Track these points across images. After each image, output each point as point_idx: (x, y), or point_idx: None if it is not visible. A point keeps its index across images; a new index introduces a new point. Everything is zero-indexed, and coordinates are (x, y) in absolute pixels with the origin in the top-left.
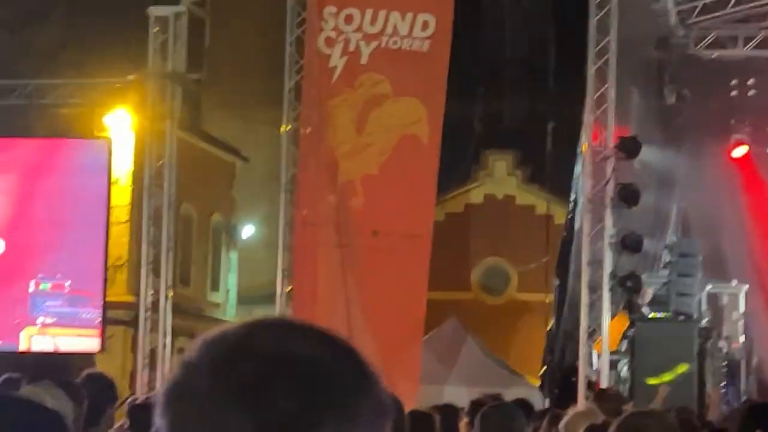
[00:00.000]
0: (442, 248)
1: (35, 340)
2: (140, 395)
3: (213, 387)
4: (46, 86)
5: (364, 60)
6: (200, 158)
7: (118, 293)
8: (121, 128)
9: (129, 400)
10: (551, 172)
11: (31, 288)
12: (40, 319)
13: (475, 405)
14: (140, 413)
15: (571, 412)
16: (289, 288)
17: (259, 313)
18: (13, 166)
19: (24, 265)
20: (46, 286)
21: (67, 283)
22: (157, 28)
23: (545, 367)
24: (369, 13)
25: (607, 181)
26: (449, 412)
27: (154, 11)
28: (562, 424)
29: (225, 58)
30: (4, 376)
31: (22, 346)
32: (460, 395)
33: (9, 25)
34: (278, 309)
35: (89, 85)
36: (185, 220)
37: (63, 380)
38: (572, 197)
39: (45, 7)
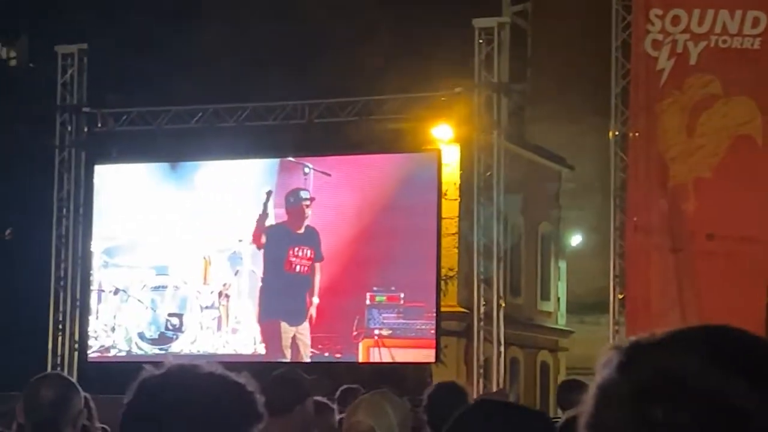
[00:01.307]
0: None
1: (372, 351)
2: None
3: None
4: (375, 102)
5: (692, 61)
6: (526, 168)
7: (449, 304)
8: (446, 141)
9: None
10: None
11: (368, 301)
12: (376, 331)
13: None
14: None
15: None
16: (622, 295)
17: (590, 321)
18: (348, 183)
19: (361, 278)
20: (381, 298)
21: (402, 295)
22: (482, 40)
23: None
24: (696, 13)
25: None
26: None
27: (479, 23)
28: None
29: (547, 66)
30: (344, 386)
31: (361, 358)
32: None
33: (340, 45)
34: (611, 316)
35: (416, 99)
36: (514, 230)
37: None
38: None
39: (372, 26)
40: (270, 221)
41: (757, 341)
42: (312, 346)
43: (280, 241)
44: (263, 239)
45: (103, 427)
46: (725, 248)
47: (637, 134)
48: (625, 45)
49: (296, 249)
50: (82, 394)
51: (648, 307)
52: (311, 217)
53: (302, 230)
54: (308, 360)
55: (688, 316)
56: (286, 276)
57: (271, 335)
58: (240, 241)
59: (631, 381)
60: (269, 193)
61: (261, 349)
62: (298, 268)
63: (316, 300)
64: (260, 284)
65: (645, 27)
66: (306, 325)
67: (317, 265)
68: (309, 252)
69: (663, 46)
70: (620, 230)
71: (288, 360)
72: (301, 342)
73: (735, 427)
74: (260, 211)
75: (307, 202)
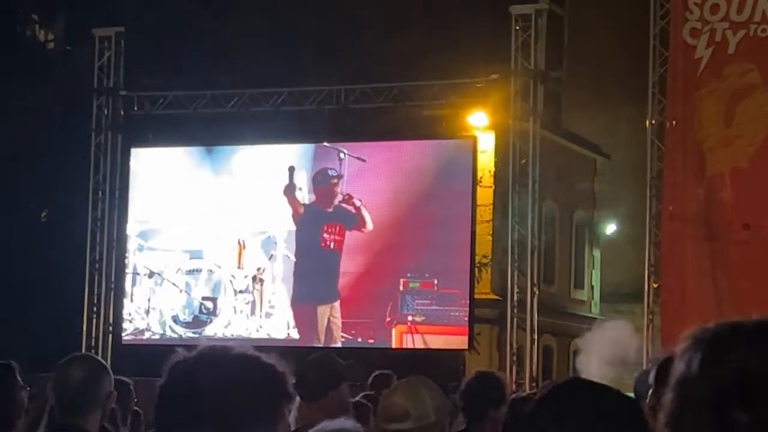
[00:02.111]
0: None
1: (405, 338)
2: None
3: None
4: (411, 88)
5: (731, 50)
6: (562, 155)
7: (483, 291)
8: (482, 128)
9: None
10: None
11: (401, 287)
12: (410, 317)
13: None
14: (521, 408)
15: None
16: (657, 284)
17: (624, 310)
18: (383, 168)
19: (395, 264)
20: (415, 284)
21: (436, 282)
22: (519, 27)
23: None
24: (735, 1)
25: None
26: None
27: (516, 9)
28: None
29: (584, 54)
30: (376, 372)
31: (394, 344)
32: None
33: (376, 30)
34: (646, 306)
35: (452, 85)
36: (548, 217)
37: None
38: None
39: (408, 11)
40: (305, 207)
41: None
42: (345, 331)
43: (313, 220)
44: (301, 214)
45: (136, 410)
46: (761, 238)
47: (674, 123)
48: (663, 33)
49: (328, 226)
50: (120, 378)
51: (683, 296)
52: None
53: (332, 209)
54: (341, 345)
55: (724, 306)
56: (320, 253)
57: (304, 320)
58: (274, 223)
59: (712, 381)
60: (291, 169)
61: (294, 334)
62: (332, 245)
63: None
64: (294, 268)
65: (683, 15)
66: (338, 304)
67: (348, 234)
68: (340, 228)
69: (701, 35)
70: (656, 219)
71: (321, 345)
72: (334, 325)
73: None
74: (288, 188)
75: (335, 180)
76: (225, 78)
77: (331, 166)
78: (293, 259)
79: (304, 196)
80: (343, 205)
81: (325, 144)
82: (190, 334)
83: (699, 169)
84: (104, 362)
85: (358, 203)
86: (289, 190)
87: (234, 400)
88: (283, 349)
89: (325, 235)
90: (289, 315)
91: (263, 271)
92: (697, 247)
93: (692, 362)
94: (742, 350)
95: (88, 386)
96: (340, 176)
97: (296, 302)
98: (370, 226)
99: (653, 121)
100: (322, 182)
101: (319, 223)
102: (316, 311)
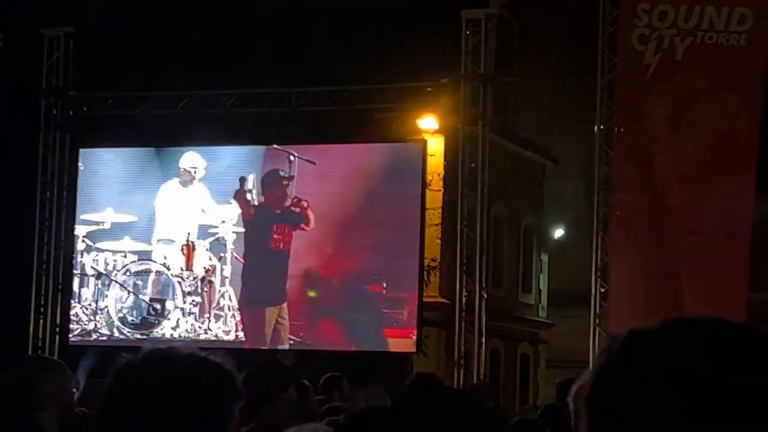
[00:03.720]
0: (761, 247)
1: None
2: None
3: None
4: (362, 91)
5: (678, 56)
6: (511, 160)
7: (431, 295)
8: (432, 131)
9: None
10: None
11: (350, 290)
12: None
13: None
14: None
15: None
16: (604, 289)
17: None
18: (333, 171)
19: (344, 266)
20: (364, 287)
21: (384, 285)
22: (469, 32)
23: None
24: (683, 8)
25: None
26: None
27: (467, 14)
28: None
29: (534, 59)
30: (326, 375)
31: (342, 347)
32: None
33: (328, 34)
34: (593, 310)
35: (403, 89)
36: (497, 221)
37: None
38: None
39: (360, 15)
40: (254, 209)
41: (749, 332)
42: (293, 333)
43: (262, 222)
44: (251, 215)
45: (82, 410)
46: (708, 243)
47: (622, 129)
48: (612, 39)
49: (278, 227)
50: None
51: (630, 301)
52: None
53: (281, 210)
54: (287, 346)
55: (671, 310)
56: (269, 255)
57: (252, 322)
58: (223, 222)
59: (631, 366)
60: (243, 180)
61: (243, 336)
62: (281, 245)
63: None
64: (243, 269)
65: (632, 21)
66: (286, 306)
67: (294, 234)
68: (288, 229)
69: (650, 41)
70: (603, 224)
71: (268, 347)
72: (282, 327)
73: (727, 411)
74: (239, 193)
75: (285, 182)
76: (175, 79)
77: (281, 168)
78: (242, 260)
79: (254, 197)
80: (292, 207)
81: (275, 147)
82: (138, 336)
83: (646, 175)
84: (49, 362)
85: (305, 204)
86: (240, 195)
87: (182, 402)
88: (230, 352)
89: (275, 236)
90: (237, 317)
91: (212, 272)
92: (644, 252)
93: (613, 351)
94: (661, 339)
95: (28, 385)
96: (290, 178)
97: (244, 304)
98: (312, 224)
99: (602, 127)
100: (272, 184)
101: (268, 224)
102: (264, 313)
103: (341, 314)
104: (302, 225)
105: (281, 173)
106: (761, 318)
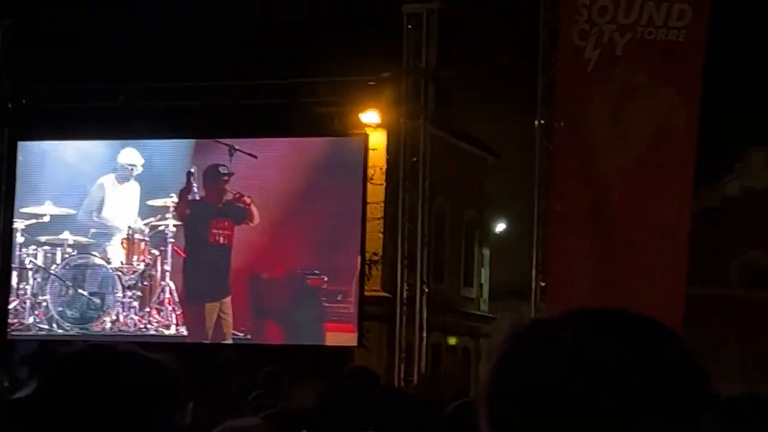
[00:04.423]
0: (699, 242)
1: None
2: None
3: None
4: (304, 85)
5: (618, 52)
6: (453, 154)
7: (373, 288)
8: (374, 125)
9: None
10: None
11: (291, 284)
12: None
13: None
14: None
15: None
16: (544, 283)
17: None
18: (275, 165)
19: (285, 261)
20: (305, 281)
21: (325, 279)
22: (411, 26)
23: None
24: (623, 4)
25: None
26: None
27: (408, 8)
28: None
29: (477, 54)
30: (266, 369)
31: (284, 341)
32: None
33: (270, 28)
34: (533, 304)
35: (345, 83)
36: (439, 216)
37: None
38: None
39: (302, 8)
40: (192, 198)
41: (638, 320)
42: (235, 328)
43: (203, 216)
44: (186, 214)
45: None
46: (646, 238)
47: (562, 124)
48: (553, 34)
49: (218, 222)
50: None
51: (569, 295)
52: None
53: (222, 204)
54: (230, 341)
55: (609, 305)
56: (210, 249)
57: (193, 316)
58: (164, 217)
59: (528, 353)
60: (190, 174)
61: (184, 330)
62: (221, 240)
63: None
64: (183, 264)
65: (573, 16)
66: (229, 300)
67: (237, 228)
68: (229, 224)
69: (590, 37)
70: (544, 218)
71: (210, 341)
72: (224, 322)
73: (609, 392)
74: (184, 190)
75: (226, 178)
76: (115, 72)
77: (222, 163)
78: (183, 254)
79: (194, 192)
80: (234, 202)
81: (217, 140)
82: (78, 330)
83: (586, 170)
84: None
85: (248, 200)
86: (184, 190)
87: (120, 401)
88: (172, 346)
89: (215, 231)
90: (178, 311)
91: (152, 266)
92: (583, 247)
93: (513, 340)
94: (555, 327)
95: None
96: (230, 174)
97: (185, 298)
98: (257, 220)
99: (542, 121)
100: (213, 179)
101: (207, 218)
102: (204, 307)
103: (282, 309)
104: (246, 221)
105: (221, 169)
106: (700, 313)
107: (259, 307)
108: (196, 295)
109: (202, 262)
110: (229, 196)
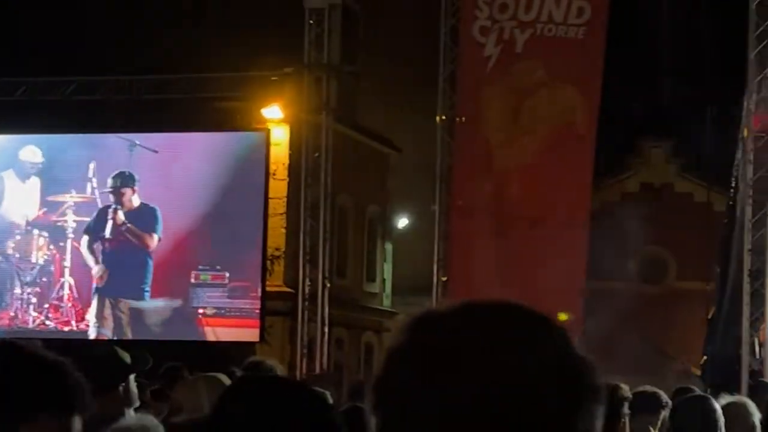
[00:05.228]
0: (599, 237)
1: (197, 330)
2: None
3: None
4: (205, 80)
5: (519, 48)
6: (355, 150)
7: (275, 284)
8: (277, 121)
9: None
10: (709, 159)
11: (192, 279)
12: (200, 310)
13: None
14: None
15: (722, 402)
16: (445, 278)
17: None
18: (174, 159)
19: (186, 256)
20: (206, 277)
21: (227, 274)
22: (313, 21)
23: (705, 357)
24: (523, 1)
25: None
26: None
27: (310, 3)
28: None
29: (378, 49)
30: (166, 365)
31: (186, 336)
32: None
33: (170, 21)
34: (434, 299)
35: (246, 78)
36: (341, 211)
37: (228, 370)
38: (732, 184)
39: (203, 2)
40: (95, 199)
41: (517, 310)
42: (134, 324)
43: (104, 213)
44: (89, 217)
45: None
46: (546, 234)
47: (463, 119)
48: (454, 30)
49: (121, 221)
50: None
51: (470, 290)
52: (140, 194)
53: (130, 209)
54: (131, 337)
55: (510, 298)
56: (112, 246)
57: (94, 312)
58: (63, 215)
59: (414, 344)
60: (92, 167)
61: (83, 326)
62: (125, 236)
63: (148, 274)
64: (84, 260)
65: (473, 13)
66: (128, 301)
67: (148, 238)
68: (135, 228)
69: (490, 33)
70: (445, 214)
71: (110, 337)
72: (124, 317)
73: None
74: (85, 187)
75: (134, 184)
76: (14, 66)
77: (125, 162)
78: (84, 251)
79: (94, 187)
80: (140, 208)
81: (117, 135)
82: None
83: (487, 165)
84: None
85: (153, 206)
86: (82, 185)
87: (16, 404)
88: (71, 342)
89: (119, 228)
90: (77, 307)
91: (52, 262)
92: (484, 242)
93: (405, 332)
94: (446, 320)
95: None
96: (136, 180)
97: (85, 294)
98: (156, 238)
99: (443, 117)
100: (121, 185)
101: (111, 215)
102: (105, 304)
103: (183, 303)
104: (152, 227)
105: (128, 175)
106: (599, 306)
107: (160, 302)
108: (96, 290)
109: (103, 258)
110: (136, 202)
